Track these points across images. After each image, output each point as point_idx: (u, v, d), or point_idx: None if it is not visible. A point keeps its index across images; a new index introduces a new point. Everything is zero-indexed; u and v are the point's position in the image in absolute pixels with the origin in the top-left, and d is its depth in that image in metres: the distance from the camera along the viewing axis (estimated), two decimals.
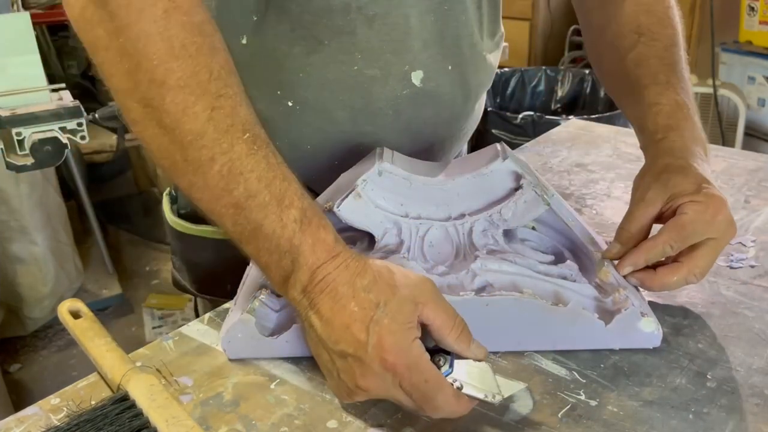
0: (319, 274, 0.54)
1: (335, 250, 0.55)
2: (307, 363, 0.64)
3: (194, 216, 0.87)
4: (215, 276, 0.89)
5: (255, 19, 0.72)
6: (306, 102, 0.76)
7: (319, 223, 0.56)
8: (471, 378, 0.55)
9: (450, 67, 0.78)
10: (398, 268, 0.57)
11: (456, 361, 0.55)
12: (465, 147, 0.97)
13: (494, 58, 0.86)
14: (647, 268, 0.67)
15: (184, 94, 0.52)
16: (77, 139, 1.49)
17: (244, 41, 0.74)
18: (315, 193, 0.73)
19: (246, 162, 0.54)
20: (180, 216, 0.89)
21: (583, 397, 0.60)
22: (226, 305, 0.73)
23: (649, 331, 0.64)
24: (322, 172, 0.78)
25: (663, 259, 0.67)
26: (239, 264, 0.80)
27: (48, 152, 1.45)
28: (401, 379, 0.52)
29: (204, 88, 0.53)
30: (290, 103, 0.76)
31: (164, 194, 0.92)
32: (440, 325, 0.54)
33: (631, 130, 0.84)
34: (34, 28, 1.54)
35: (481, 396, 0.55)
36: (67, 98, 1.52)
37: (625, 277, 0.67)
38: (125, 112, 0.56)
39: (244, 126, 0.54)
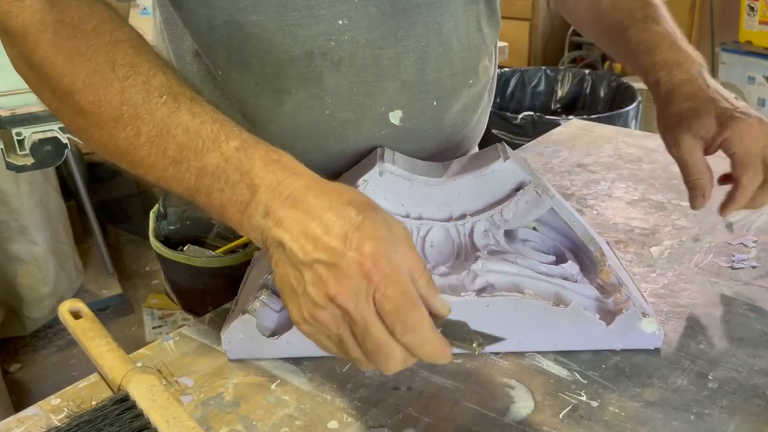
0: (282, 191, 0.51)
1: (295, 169, 0.53)
2: (308, 363, 0.64)
3: (183, 230, 0.88)
4: (195, 296, 0.89)
5: (220, 73, 0.72)
6: (282, 148, 0.74)
7: (268, 147, 0.54)
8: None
9: (435, 103, 0.75)
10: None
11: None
12: None
13: (489, 70, 0.83)
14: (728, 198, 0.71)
15: (92, 90, 0.56)
16: (77, 139, 1.48)
17: (213, 90, 0.74)
18: None
19: (169, 121, 0.54)
20: (169, 230, 0.89)
21: (584, 398, 0.59)
22: (227, 305, 0.73)
23: (650, 331, 0.64)
24: None
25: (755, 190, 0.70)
26: (217, 287, 0.81)
27: (48, 152, 1.45)
28: (376, 288, 0.47)
29: (109, 79, 0.56)
30: None
31: (151, 212, 0.91)
32: (412, 267, 0.49)
33: (632, 130, 0.84)
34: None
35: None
36: None
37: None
38: (68, 127, 0.61)
39: (160, 92, 0.55)
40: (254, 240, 0.53)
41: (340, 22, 0.67)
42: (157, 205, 0.91)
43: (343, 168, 0.75)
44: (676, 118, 0.71)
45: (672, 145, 0.72)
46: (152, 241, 0.89)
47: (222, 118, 0.55)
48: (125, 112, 0.55)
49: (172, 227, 0.88)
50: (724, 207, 0.71)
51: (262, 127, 0.73)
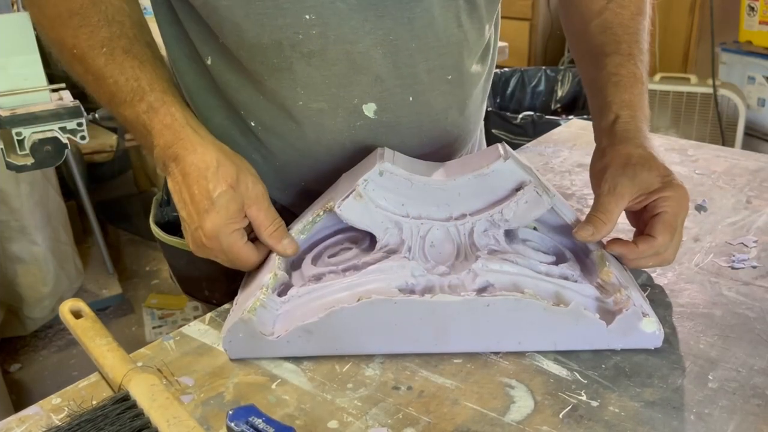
0: (170, 152, 0.69)
1: (181, 134, 0.69)
2: (308, 363, 0.64)
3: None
4: (192, 280, 0.91)
5: (209, 63, 0.75)
6: (266, 125, 0.77)
7: (167, 111, 0.69)
8: None
9: (411, 98, 0.75)
10: (242, 165, 0.70)
11: None
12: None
13: (479, 68, 0.82)
14: (628, 243, 0.71)
15: (54, 31, 0.72)
16: (77, 139, 1.48)
17: (209, 62, 0.75)
18: (293, 215, 0.77)
19: (105, 71, 0.69)
20: (173, 216, 0.90)
21: (584, 398, 0.60)
22: (227, 305, 0.73)
23: (650, 331, 0.64)
24: (294, 186, 0.80)
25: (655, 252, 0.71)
26: (213, 273, 0.82)
27: (48, 152, 1.45)
28: (216, 255, 0.69)
29: (66, 25, 0.70)
30: (253, 123, 0.77)
31: (154, 198, 0.93)
32: (260, 223, 0.69)
33: None
34: (34, 28, 1.54)
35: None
36: (67, 98, 1.52)
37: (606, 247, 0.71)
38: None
39: (102, 43, 0.69)
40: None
41: (307, 16, 0.68)
42: (160, 192, 0.93)
43: (322, 156, 0.76)
44: (624, 159, 0.70)
45: (605, 181, 0.70)
46: (152, 226, 0.91)
47: (140, 73, 0.69)
48: (77, 54, 0.70)
49: (174, 213, 0.89)
50: (619, 246, 0.70)
51: (248, 99, 0.76)
